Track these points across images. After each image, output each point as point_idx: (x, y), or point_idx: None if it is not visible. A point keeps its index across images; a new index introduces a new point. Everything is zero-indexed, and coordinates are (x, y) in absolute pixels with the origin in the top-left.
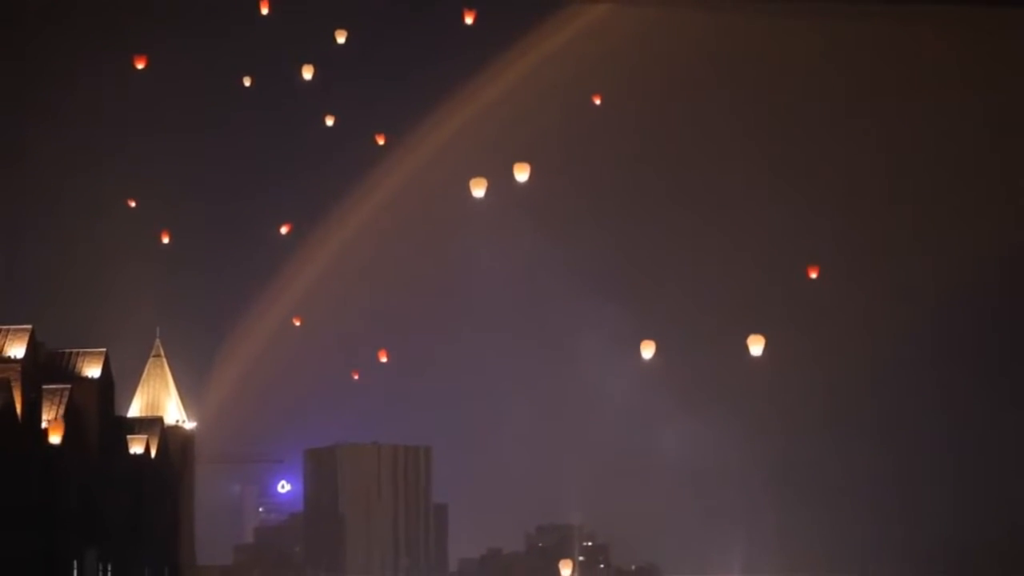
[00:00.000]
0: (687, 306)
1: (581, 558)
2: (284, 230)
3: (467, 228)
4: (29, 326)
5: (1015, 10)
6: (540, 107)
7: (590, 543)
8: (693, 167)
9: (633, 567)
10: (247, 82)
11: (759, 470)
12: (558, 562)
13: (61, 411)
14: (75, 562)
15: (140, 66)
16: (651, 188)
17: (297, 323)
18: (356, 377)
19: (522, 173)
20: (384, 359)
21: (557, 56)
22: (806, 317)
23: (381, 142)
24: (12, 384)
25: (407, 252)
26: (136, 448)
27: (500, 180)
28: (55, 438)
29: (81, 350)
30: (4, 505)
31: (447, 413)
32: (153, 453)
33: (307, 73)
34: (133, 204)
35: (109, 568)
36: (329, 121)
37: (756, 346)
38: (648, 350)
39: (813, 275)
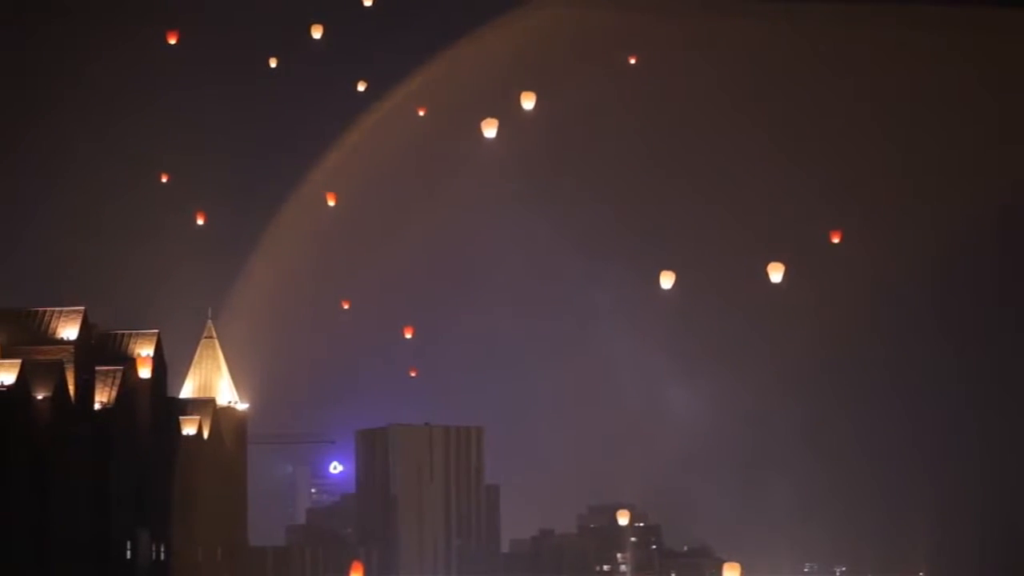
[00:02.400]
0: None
1: (633, 539)
2: (331, 202)
3: (487, 202)
4: (81, 308)
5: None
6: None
7: (642, 524)
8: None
9: (685, 548)
10: (272, 63)
11: (813, 454)
12: (610, 543)
13: (114, 393)
14: (128, 543)
15: (172, 41)
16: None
17: (346, 306)
18: (414, 375)
19: (528, 101)
20: (409, 335)
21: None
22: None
23: (421, 113)
24: (65, 366)
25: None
26: (188, 429)
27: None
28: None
29: (133, 331)
30: (58, 486)
31: (499, 393)
32: (206, 434)
33: (316, 33)
34: (165, 179)
35: (162, 549)
36: (361, 87)
37: (776, 273)
38: (668, 280)
39: (836, 239)
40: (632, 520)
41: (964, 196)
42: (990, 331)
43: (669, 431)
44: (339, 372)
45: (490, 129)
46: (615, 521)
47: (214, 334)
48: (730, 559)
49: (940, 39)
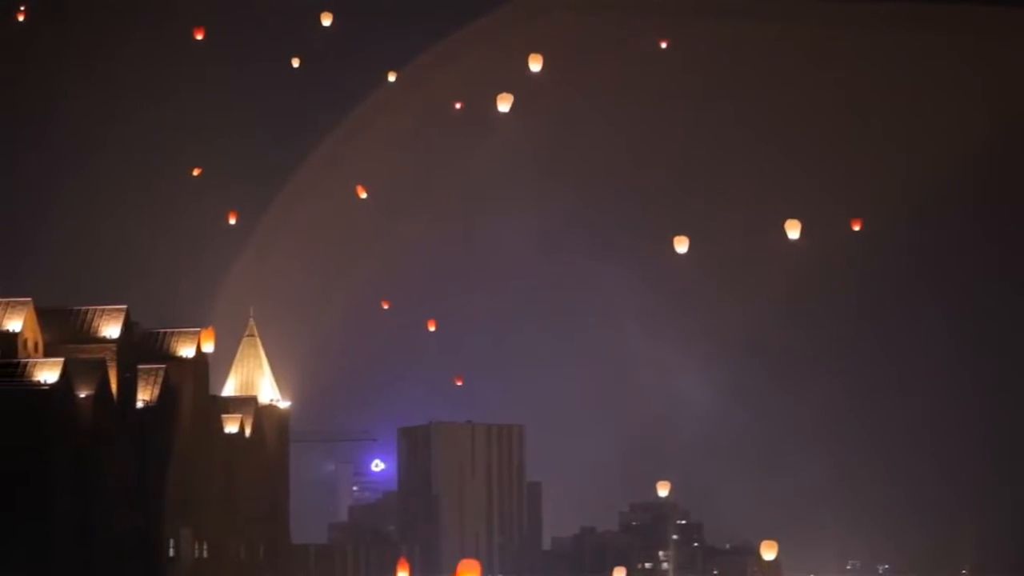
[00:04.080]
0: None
1: (675, 537)
2: (362, 195)
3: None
4: (124, 306)
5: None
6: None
7: (684, 521)
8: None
9: (727, 545)
10: (295, 63)
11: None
12: (652, 541)
13: (156, 391)
14: (171, 540)
15: (199, 37)
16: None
17: (386, 306)
18: (459, 383)
19: (536, 64)
20: (432, 328)
21: None
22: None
23: (458, 106)
24: (107, 364)
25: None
26: (231, 427)
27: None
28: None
29: (175, 330)
30: (101, 484)
31: (540, 391)
32: (248, 432)
33: (326, 20)
34: (197, 172)
35: (205, 546)
36: (392, 77)
37: (793, 231)
38: (682, 245)
39: (856, 227)
40: (672, 492)
41: None
42: None
43: (701, 426)
44: (381, 370)
45: (504, 104)
46: (657, 518)
47: (256, 332)
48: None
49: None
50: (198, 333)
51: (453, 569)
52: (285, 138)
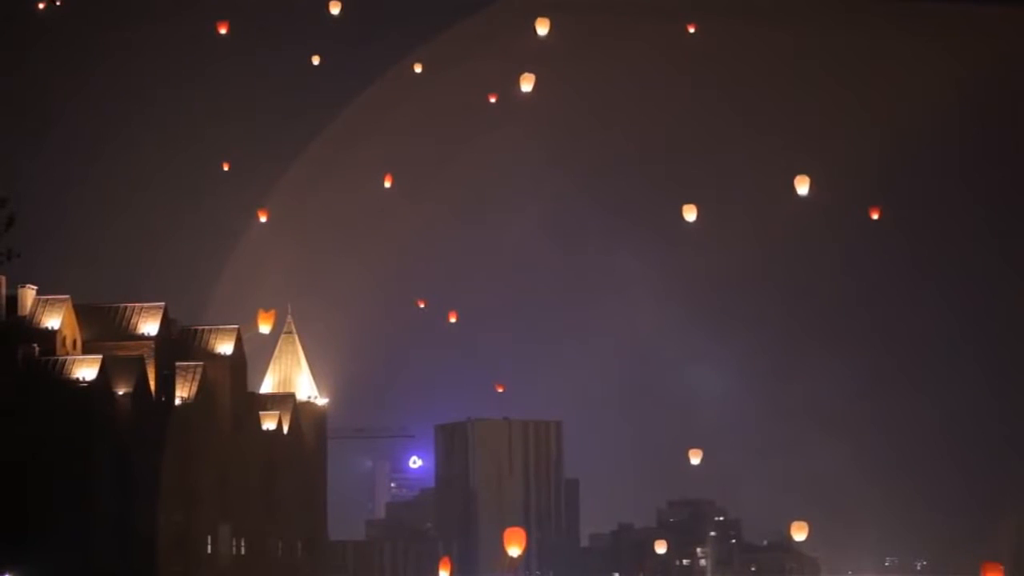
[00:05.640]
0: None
1: (712, 533)
2: (387, 183)
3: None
4: (162, 303)
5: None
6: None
7: (722, 518)
8: None
9: (765, 542)
10: (315, 60)
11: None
12: (689, 538)
13: (194, 388)
14: (209, 537)
15: (223, 31)
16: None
17: (421, 305)
18: (501, 390)
19: (542, 28)
20: (453, 319)
21: None
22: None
23: (493, 100)
24: (146, 361)
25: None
26: (268, 424)
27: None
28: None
29: (213, 327)
30: (139, 481)
31: (578, 388)
32: (285, 429)
33: (335, 9)
34: (227, 167)
35: (243, 543)
36: (417, 68)
37: (802, 186)
38: (691, 213)
39: (875, 216)
40: (703, 459)
41: None
42: None
43: (753, 424)
44: (418, 366)
45: (527, 84)
46: (695, 516)
47: (294, 329)
48: (810, 553)
49: None
50: (236, 330)
51: (490, 565)
52: (316, 130)
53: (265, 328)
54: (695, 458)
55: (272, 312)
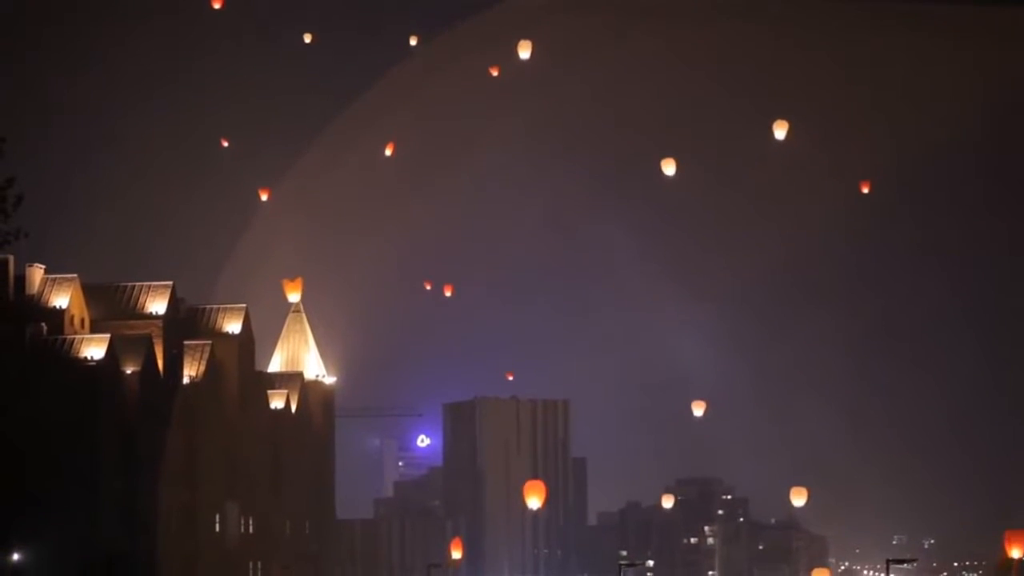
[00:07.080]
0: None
1: (720, 512)
2: (388, 152)
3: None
4: (170, 282)
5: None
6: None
7: (729, 496)
8: None
9: (772, 520)
10: (307, 38)
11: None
12: (697, 516)
13: (202, 367)
14: (217, 515)
15: (217, 6)
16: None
17: (428, 287)
18: (511, 378)
19: (525, 51)
20: (449, 293)
21: None
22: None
23: (495, 73)
24: (154, 340)
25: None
26: (276, 403)
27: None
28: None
29: (221, 306)
30: (147, 460)
31: (585, 367)
32: (293, 408)
33: None
34: (225, 144)
35: (250, 521)
36: (413, 41)
37: (780, 130)
38: (669, 167)
39: (865, 190)
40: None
41: None
42: None
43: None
44: (426, 345)
45: (525, 51)
46: (703, 494)
47: (301, 308)
48: (818, 532)
49: None
50: (244, 308)
51: (497, 543)
52: (317, 108)
53: (294, 296)
54: (698, 410)
55: (298, 280)
